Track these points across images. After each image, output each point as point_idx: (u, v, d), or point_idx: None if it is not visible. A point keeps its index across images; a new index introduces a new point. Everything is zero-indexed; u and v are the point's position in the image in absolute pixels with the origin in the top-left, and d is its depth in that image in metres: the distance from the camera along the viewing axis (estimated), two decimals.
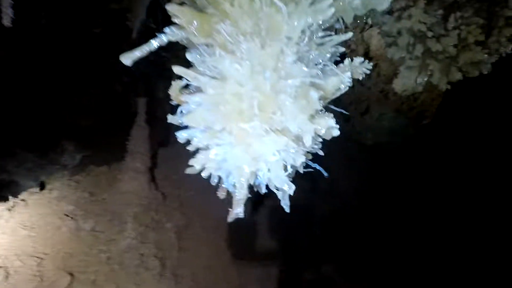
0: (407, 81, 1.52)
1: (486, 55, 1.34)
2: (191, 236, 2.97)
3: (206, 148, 0.76)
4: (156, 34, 0.78)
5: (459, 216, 3.31)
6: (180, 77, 0.82)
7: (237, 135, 0.71)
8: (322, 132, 0.70)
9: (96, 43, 3.39)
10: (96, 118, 3.86)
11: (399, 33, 1.43)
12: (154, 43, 0.74)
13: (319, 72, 0.74)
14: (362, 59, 0.78)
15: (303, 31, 0.73)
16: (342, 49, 0.84)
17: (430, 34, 1.35)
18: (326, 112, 0.73)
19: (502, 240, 3.03)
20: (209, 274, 2.77)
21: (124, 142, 3.17)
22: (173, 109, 0.90)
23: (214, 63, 0.71)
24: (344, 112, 0.87)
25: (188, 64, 0.81)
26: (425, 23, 1.33)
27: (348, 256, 3.24)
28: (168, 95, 0.89)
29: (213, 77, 0.72)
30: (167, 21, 0.79)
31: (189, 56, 0.73)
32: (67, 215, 2.76)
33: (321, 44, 0.79)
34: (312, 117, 0.70)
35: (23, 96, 3.39)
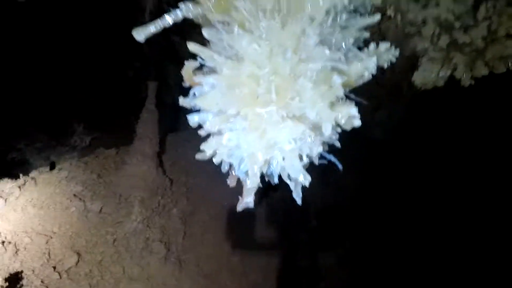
0: (428, 74, 1.44)
1: None
2: (196, 222, 2.98)
3: (219, 133, 0.72)
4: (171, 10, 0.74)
5: (466, 213, 3.24)
6: (193, 58, 0.78)
7: (252, 121, 0.67)
8: (343, 121, 0.65)
9: (109, 25, 3.37)
10: (106, 101, 3.86)
11: (424, 22, 1.36)
12: (169, 19, 0.70)
13: (342, 57, 0.69)
14: (389, 44, 0.72)
15: (327, 12, 0.68)
16: (367, 34, 0.79)
17: (457, 24, 1.27)
18: (347, 100, 0.69)
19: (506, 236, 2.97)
20: (213, 261, 2.79)
21: (133, 126, 3.17)
22: (184, 94, 0.86)
23: (230, 42, 0.66)
24: (363, 102, 0.82)
25: None
26: (453, 12, 1.25)
27: (351, 249, 3.22)
28: (179, 80, 0.85)
29: (229, 58, 0.68)
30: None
31: (205, 32, 0.68)
32: (75, 196, 2.79)
33: (346, 27, 0.74)
34: (332, 105, 0.65)
35: (36, 77, 3.41)
